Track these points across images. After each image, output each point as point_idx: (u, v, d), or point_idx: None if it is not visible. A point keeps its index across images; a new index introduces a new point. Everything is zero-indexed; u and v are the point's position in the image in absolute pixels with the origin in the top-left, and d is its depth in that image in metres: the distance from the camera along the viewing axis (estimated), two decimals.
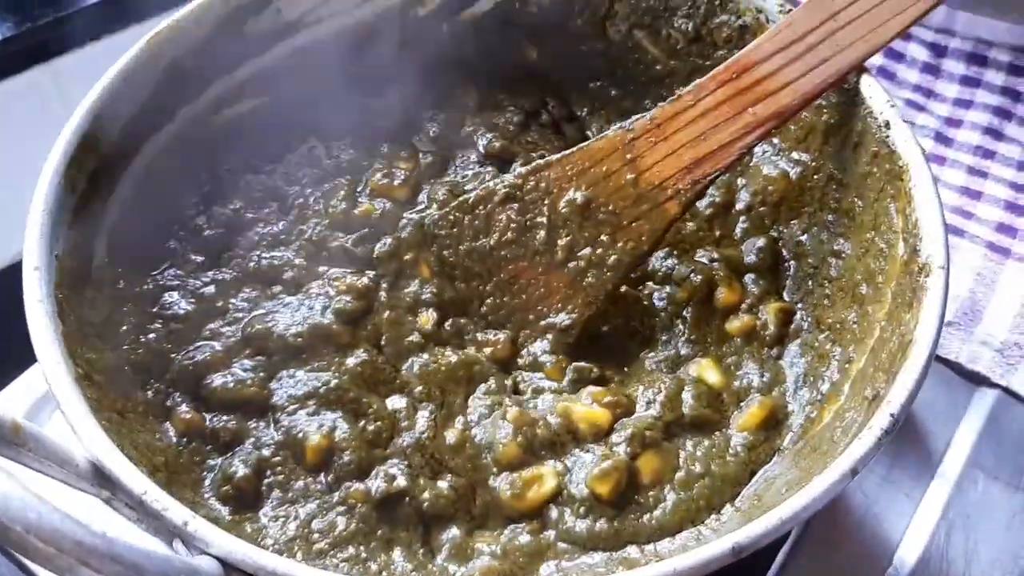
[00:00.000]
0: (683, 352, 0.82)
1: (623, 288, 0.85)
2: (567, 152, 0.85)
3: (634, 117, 0.83)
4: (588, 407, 0.76)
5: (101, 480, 0.60)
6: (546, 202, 0.85)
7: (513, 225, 0.85)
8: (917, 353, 0.64)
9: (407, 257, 0.87)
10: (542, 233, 0.84)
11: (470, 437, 0.75)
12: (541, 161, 0.87)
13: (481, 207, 0.87)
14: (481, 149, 0.96)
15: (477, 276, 0.86)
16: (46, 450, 0.58)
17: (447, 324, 0.84)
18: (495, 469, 0.74)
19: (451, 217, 0.87)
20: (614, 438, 0.75)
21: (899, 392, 0.62)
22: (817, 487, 0.58)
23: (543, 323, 0.83)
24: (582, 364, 0.80)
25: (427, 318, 0.83)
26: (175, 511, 0.57)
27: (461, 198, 0.88)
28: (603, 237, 0.82)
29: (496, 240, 0.86)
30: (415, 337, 0.82)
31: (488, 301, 0.85)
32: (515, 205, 0.85)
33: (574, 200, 0.83)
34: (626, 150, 0.83)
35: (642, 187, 0.82)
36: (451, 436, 0.75)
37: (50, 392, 0.63)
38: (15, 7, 1.26)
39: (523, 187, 0.85)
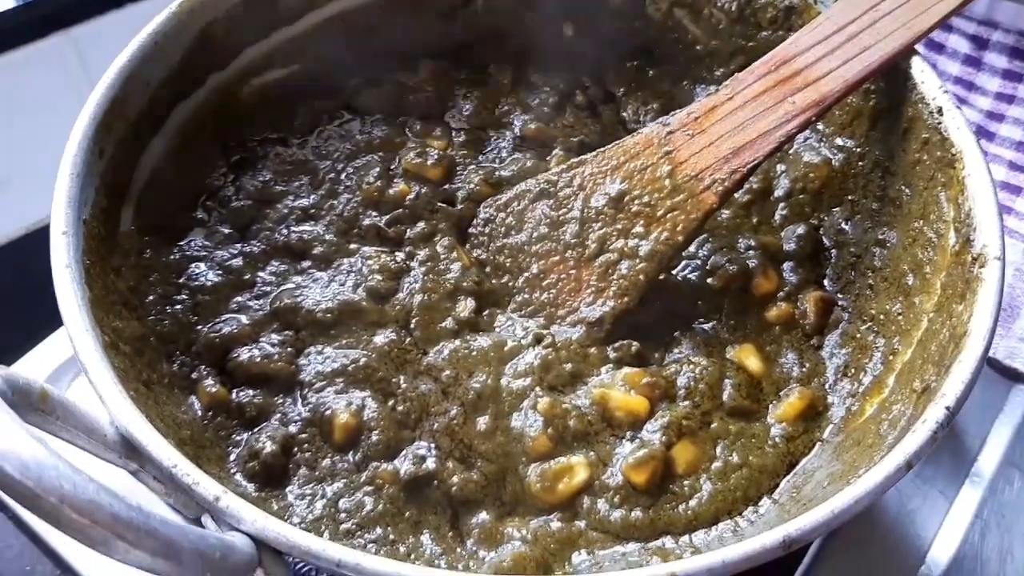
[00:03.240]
0: (723, 337, 0.80)
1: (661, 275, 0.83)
2: (603, 149, 0.84)
3: (671, 113, 0.82)
4: (625, 395, 0.74)
5: (129, 452, 0.58)
6: (579, 196, 0.83)
7: (546, 220, 0.84)
8: (972, 345, 0.62)
9: (442, 244, 0.85)
10: (574, 227, 0.82)
11: (501, 425, 0.73)
12: (575, 159, 0.85)
13: (516, 204, 0.85)
14: (517, 131, 0.94)
15: (508, 272, 0.84)
16: (74, 419, 0.57)
17: (484, 314, 0.82)
18: (524, 459, 0.72)
19: (484, 215, 0.87)
20: (650, 426, 0.73)
21: (955, 385, 0.60)
22: (871, 480, 0.56)
23: (572, 317, 0.81)
24: (622, 342, 0.78)
25: (465, 306, 0.81)
26: (206, 486, 0.55)
27: (494, 197, 0.87)
28: (637, 228, 0.80)
29: (528, 236, 0.84)
30: (449, 323, 0.79)
31: (518, 297, 0.83)
32: (549, 201, 0.84)
33: (608, 193, 0.82)
34: (662, 144, 0.81)
35: (678, 178, 0.80)
36: (482, 422, 0.73)
37: (77, 360, 0.61)
38: None
39: (557, 183, 0.84)
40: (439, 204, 0.88)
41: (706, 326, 0.81)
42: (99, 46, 1.26)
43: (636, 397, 0.74)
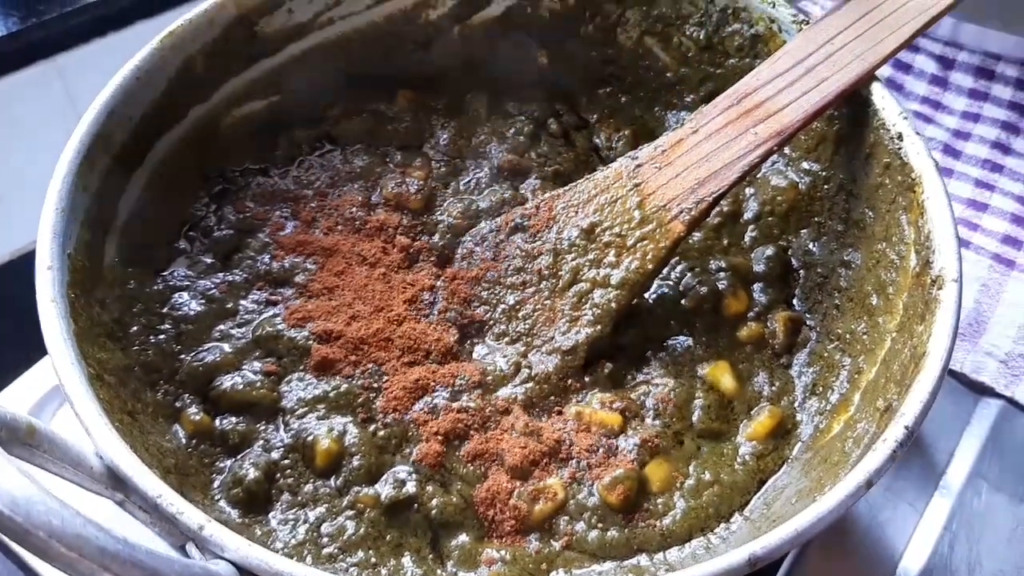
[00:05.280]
0: (697, 354, 0.82)
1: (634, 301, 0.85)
2: (574, 183, 0.87)
3: (640, 146, 0.85)
4: (598, 411, 0.76)
5: (115, 483, 0.60)
6: (552, 229, 0.85)
7: (521, 253, 0.86)
8: (931, 365, 0.64)
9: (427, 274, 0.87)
10: (548, 258, 0.85)
11: (481, 449, 0.75)
12: (548, 194, 0.88)
13: (492, 237, 0.88)
14: (494, 162, 0.96)
15: (486, 303, 0.85)
16: (60, 452, 0.58)
17: (465, 344, 0.83)
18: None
19: (462, 251, 0.88)
20: (623, 445, 0.75)
21: (913, 404, 0.62)
22: (832, 499, 0.58)
23: (547, 346, 0.82)
24: (596, 364, 0.81)
25: (448, 338, 0.82)
26: (190, 515, 0.57)
27: (472, 231, 0.89)
28: (608, 258, 0.83)
29: (504, 268, 0.86)
30: (433, 349, 0.81)
31: (496, 328, 0.84)
32: (523, 234, 0.86)
33: (580, 225, 0.84)
34: (631, 177, 0.83)
35: (647, 209, 0.82)
36: (464, 446, 0.75)
37: (63, 393, 0.62)
38: (20, 2, 1.25)
39: (531, 217, 0.86)
40: (420, 239, 0.90)
41: (678, 347, 0.83)
42: (84, 74, 1.27)
43: (610, 413, 0.76)
